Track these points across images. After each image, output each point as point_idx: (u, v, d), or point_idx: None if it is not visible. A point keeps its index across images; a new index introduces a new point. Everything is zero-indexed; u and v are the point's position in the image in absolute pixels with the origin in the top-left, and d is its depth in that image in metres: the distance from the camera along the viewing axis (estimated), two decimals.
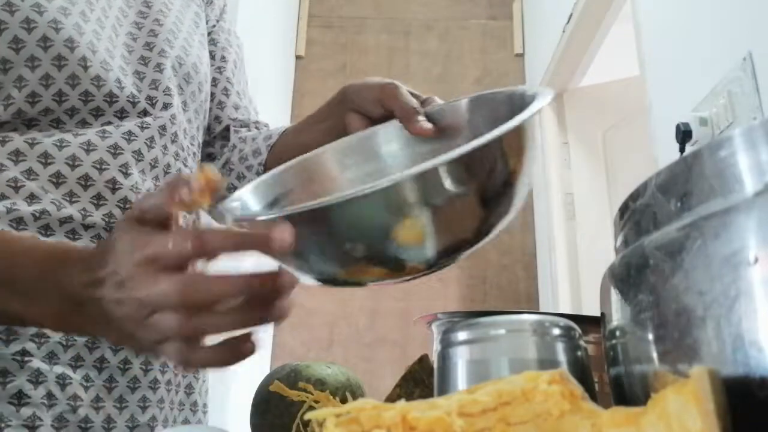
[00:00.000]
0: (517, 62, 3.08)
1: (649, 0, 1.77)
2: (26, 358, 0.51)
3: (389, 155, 0.55)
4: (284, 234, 0.33)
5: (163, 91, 0.62)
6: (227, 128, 0.76)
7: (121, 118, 0.59)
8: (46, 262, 0.40)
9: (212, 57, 0.77)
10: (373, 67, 3.05)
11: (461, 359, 0.37)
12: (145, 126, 0.59)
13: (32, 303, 0.39)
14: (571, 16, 2.35)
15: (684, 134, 1.38)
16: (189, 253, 0.34)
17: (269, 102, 2.33)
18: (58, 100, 0.55)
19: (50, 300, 0.39)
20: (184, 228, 0.37)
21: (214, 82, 0.76)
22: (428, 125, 0.51)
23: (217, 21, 0.79)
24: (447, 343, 0.38)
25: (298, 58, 3.03)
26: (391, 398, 0.54)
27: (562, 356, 0.36)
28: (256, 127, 0.78)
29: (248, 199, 0.48)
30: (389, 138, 0.55)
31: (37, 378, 0.51)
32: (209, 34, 0.77)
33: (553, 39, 2.57)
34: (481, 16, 3.17)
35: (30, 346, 0.51)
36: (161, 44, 0.63)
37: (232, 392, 1.81)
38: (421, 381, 0.55)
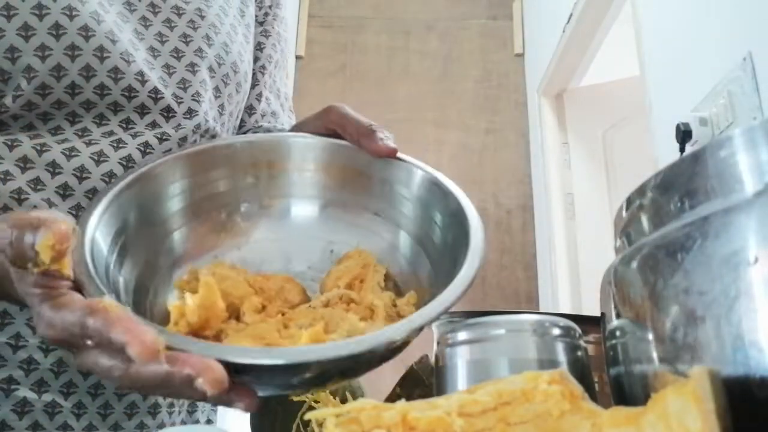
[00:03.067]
0: (517, 62, 3.08)
1: (649, 0, 1.77)
2: (13, 386, 0.49)
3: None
4: (216, 383, 0.30)
5: (192, 96, 0.56)
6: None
7: (142, 115, 0.54)
8: None
9: (260, 50, 0.68)
10: (373, 67, 3.06)
11: (461, 359, 0.37)
12: (164, 137, 0.54)
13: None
14: (571, 16, 2.36)
15: (684, 134, 1.38)
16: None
17: None
18: (71, 92, 0.51)
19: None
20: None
21: (255, 81, 0.68)
22: (392, 144, 0.48)
23: (271, 7, 0.70)
24: (447, 343, 0.38)
25: (298, 58, 3.03)
26: (391, 398, 0.54)
27: (562, 356, 0.36)
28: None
29: (97, 238, 0.41)
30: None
31: (22, 408, 0.49)
32: (261, 24, 0.69)
33: (553, 39, 2.57)
34: (481, 16, 3.18)
35: (18, 373, 0.49)
36: (199, 41, 0.58)
37: None
38: (421, 381, 0.55)
